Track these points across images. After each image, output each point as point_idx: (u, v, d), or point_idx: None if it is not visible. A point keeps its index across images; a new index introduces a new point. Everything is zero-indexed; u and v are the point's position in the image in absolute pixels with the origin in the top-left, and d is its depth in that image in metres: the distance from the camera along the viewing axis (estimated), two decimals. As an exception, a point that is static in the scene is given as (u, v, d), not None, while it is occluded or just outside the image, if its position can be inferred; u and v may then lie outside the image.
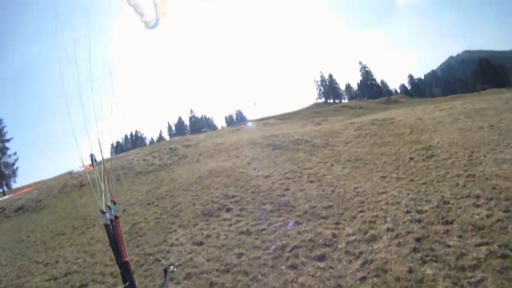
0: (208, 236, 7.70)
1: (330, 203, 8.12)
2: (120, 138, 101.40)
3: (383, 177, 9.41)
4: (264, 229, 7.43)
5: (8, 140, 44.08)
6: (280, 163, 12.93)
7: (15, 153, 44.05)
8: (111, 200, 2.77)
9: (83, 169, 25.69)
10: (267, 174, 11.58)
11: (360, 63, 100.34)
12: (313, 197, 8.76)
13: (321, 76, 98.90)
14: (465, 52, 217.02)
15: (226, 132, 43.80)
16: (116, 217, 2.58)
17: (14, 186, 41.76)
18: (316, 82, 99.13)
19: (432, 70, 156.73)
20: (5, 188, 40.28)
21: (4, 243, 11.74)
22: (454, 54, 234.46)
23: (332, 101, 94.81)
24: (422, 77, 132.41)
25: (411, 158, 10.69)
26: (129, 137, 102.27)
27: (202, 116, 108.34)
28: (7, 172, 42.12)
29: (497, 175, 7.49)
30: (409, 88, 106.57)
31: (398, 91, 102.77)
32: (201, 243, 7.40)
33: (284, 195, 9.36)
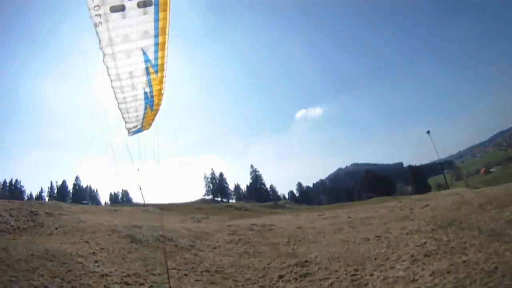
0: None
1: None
2: None
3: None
4: None
5: None
6: (129, 261, 11.93)
7: None
8: None
9: None
10: (105, 272, 10.43)
11: (252, 166, 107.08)
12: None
13: (212, 173, 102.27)
14: (353, 164, 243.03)
15: (103, 210, 40.56)
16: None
17: None
18: (206, 179, 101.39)
19: (321, 180, 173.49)
20: None
21: None
22: (343, 166, 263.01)
23: (219, 199, 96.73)
24: (311, 185, 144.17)
25: (281, 276, 9.62)
26: (7, 184, 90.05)
27: (87, 186, 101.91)
28: None
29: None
30: (297, 194, 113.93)
31: (287, 196, 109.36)
32: None
33: None
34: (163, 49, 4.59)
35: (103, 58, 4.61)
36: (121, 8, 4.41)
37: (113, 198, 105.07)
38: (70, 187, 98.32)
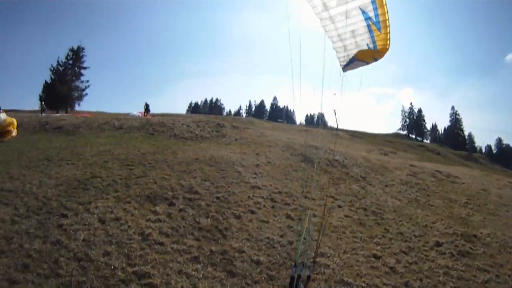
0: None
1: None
2: (200, 100, 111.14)
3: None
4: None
5: (85, 68, 48.98)
6: (289, 179, 11.37)
7: (87, 81, 49.04)
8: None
9: (139, 114, 27.41)
10: (258, 184, 10.08)
11: (452, 108, 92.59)
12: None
13: (410, 108, 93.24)
14: None
15: (293, 129, 41.84)
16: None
17: (77, 108, 46.19)
18: (403, 112, 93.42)
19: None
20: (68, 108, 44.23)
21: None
22: None
23: (414, 136, 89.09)
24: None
25: (438, 244, 7.65)
26: (208, 102, 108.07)
27: (284, 106, 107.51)
28: (75, 94, 47.43)
29: None
30: (494, 151, 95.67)
31: (483, 150, 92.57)
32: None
33: (226, 217, 7.48)
34: (382, 6, 4.46)
35: (321, 22, 4.77)
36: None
37: (309, 119, 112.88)
38: (267, 106, 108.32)
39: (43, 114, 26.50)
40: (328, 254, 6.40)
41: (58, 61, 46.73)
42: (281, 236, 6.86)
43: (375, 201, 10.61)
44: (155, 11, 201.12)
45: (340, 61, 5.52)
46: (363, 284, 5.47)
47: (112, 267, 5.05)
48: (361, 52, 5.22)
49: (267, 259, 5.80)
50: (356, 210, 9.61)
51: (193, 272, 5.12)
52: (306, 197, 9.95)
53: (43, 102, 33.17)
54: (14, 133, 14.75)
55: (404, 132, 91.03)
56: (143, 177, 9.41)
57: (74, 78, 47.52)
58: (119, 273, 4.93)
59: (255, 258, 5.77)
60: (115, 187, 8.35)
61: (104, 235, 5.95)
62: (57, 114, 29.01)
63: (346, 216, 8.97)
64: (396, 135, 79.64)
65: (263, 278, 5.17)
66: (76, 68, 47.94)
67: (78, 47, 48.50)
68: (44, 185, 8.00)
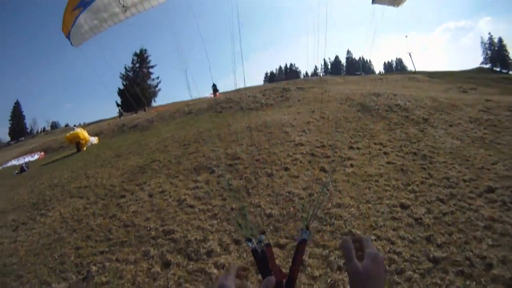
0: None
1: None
2: (274, 68, 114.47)
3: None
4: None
5: (152, 67, 54.23)
6: (339, 132, 10.88)
7: (157, 77, 54.10)
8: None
9: (210, 96, 28.85)
10: (302, 141, 9.95)
11: None
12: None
13: (490, 39, 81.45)
14: None
15: (367, 80, 39.93)
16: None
17: (154, 104, 50.98)
18: (483, 44, 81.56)
19: None
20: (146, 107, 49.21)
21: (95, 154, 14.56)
22: None
23: (499, 69, 77.42)
24: None
25: (490, 190, 6.11)
26: (283, 68, 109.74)
27: (360, 58, 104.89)
28: (149, 93, 52.33)
29: None
30: None
31: None
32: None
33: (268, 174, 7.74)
34: None
35: None
36: None
37: (387, 67, 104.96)
38: (343, 61, 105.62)
39: (121, 118, 30.58)
40: (346, 205, 6.03)
41: (125, 68, 51.89)
42: (304, 189, 6.78)
43: (430, 144, 9.35)
44: None
45: None
46: (372, 237, 4.92)
47: (148, 228, 6.11)
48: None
49: (279, 212, 5.93)
50: (403, 155, 8.66)
51: (208, 227, 5.72)
52: (351, 148, 9.43)
53: (119, 108, 38.28)
54: (93, 140, 18.02)
55: (488, 66, 79.32)
56: (194, 153, 10.46)
57: (144, 78, 52.07)
58: (152, 232, 5.92)
59: (268, 211, 5.98)
60: (168, 166, 9.63)
61: (149, 206, 7.15)
62: (135, 115, 31.80)
63: (388, 163, 8.20)
64: (479, 70, 67.83)
65: (268, 230, 5.34)
66: (144, 69, 52.60)
67: (141, 50, 53.17)
68: (112, 176, 9.85)
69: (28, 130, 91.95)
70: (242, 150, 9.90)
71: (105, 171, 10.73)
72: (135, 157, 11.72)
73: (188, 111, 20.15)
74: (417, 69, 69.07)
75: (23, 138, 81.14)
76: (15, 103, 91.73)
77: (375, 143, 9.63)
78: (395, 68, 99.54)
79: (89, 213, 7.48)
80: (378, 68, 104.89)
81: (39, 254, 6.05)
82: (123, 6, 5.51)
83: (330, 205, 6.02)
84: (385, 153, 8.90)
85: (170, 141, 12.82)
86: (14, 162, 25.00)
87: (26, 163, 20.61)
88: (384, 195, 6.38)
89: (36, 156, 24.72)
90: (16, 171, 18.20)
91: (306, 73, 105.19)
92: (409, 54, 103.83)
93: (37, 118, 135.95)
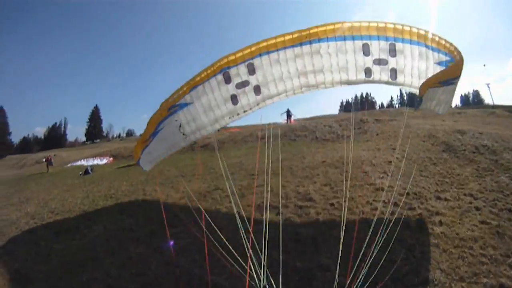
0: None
1: None
2: (350, 97, 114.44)
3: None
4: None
5: None
6: (425, 176, 9.31)
7: None
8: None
9: (284, 122, 28.37)
10: (383, 186, 8.37)
11: None
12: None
13: None
14: None
15: (445, 114, 36.14)
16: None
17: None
18: None
19: None
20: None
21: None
22: None
23: None
24: None
25: None
26: (358, 97, 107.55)
27: None
28: None
29: None
30: None
31: None
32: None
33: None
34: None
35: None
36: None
37: (463, 99, 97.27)
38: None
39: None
40: (436, 282, 4.62)
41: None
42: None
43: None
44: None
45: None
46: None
47: (192, 273, 5.07)
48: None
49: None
50: (497, 212, 6.89)
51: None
52: (438, 198, 7.83)
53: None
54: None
55: None
56: (262, 186, 9.40)
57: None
58: (194, 281, 4.85)
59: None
60: (230, 199, 8.69)
61: (198, 245, 6.08)
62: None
63: (482, 222, 6.48)
64: None
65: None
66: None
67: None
68: (170, 198, 9.29)
69: (104, 134, 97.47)
70: (315, 190, 8.61)
71: (163, 191, 10.30)
72: (198, 180, 11.20)
73: (262, 136, 19.57)
74: (495, 103, 57.18)
75: (98, 140, 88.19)
76: (94, 107, 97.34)
77: (464, 194, 8.06)
78: (472, 101, 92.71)
79: (134, 236, 6.86)
80: (455, 101, 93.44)
81: (72, 271, 5.47)
82: (183, 134, 5.68)
83: (416, 280, 4.72)
84: (476, 208, 7.21)
85: (237, 167, 12.12)
86: (83, 162, 26.94)
87: (91, 166, 22.08)
88: (480, 269, 4.93)
89: (104, 160, 26.32)
90: (81, 172, 19.49)
91: (382, 104, 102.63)
92: (487, 85, 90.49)
93: (113, 124, 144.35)
